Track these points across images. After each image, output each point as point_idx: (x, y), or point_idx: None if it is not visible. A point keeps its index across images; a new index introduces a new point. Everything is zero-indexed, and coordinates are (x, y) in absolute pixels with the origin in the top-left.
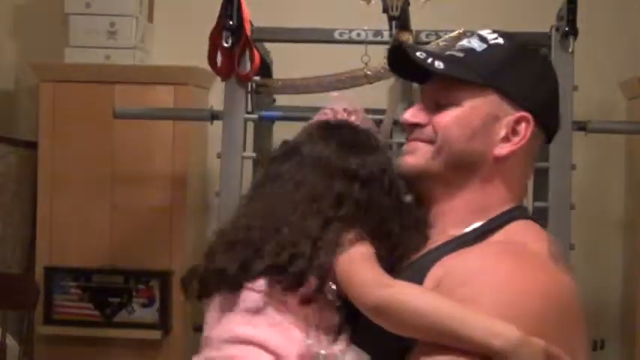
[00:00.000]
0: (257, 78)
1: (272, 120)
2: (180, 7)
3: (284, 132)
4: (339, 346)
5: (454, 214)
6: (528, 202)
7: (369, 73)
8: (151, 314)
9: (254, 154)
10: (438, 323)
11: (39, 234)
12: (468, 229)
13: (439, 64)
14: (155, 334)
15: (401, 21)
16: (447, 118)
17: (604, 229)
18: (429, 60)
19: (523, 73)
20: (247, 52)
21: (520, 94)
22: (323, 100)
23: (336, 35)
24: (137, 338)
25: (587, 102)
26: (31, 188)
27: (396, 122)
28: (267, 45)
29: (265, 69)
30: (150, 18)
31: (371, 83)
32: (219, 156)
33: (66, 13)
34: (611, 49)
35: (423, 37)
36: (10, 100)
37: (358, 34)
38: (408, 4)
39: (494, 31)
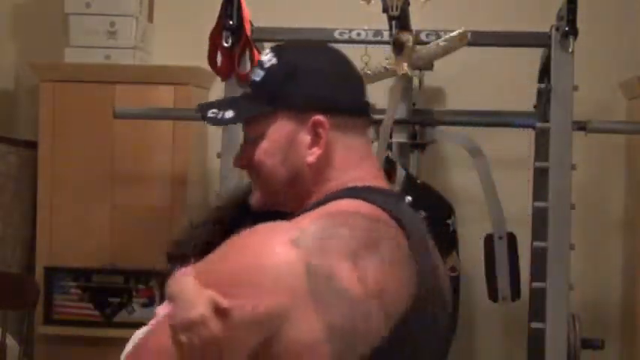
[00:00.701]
0: None
1: None
2: (180, 7)
3: None
4: None
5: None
6: (528, 202)
7: (369, 73)
8: (151, 314)
9: None
10: None
11: (39, 234)
12: None
13: (228, 114)
14: None
15: (401, 21)
16: (258, 153)
17: (604, 229)
18: (220, 115)
19: (300, 80)
20: (247, 52)
21: (305, 103)
22: None
23: (336, 35)
24: None
25: (587, 102)
26: (31, 188)
27: (396, 122)
28: (267, 45)
29: None
30: (150, 18)
31: (371, 83)
32: (219, 156)
33: (66, 13)
34: (611, 49)
35: (423, 37)
36: (10, 100)
37: (358, 34)
38: (408, 4)
39: (271, 50)
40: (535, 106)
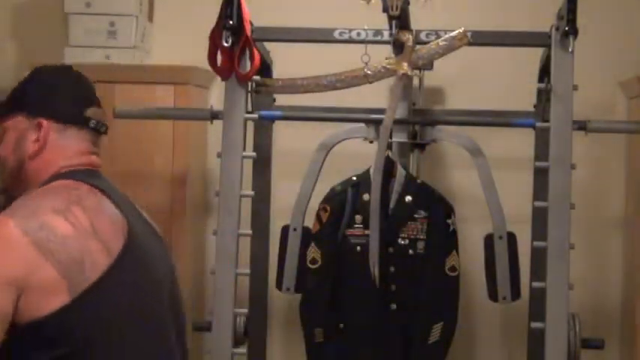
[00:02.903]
0: (257, 78)
1: (272, 120)
2: (180, 7)
3: (284, 131)
4: None
5: None
6: (528, 202)
7: (369, 72)
8: None
9: (254, 154)
10: None
11: None
12: None
13: None
14: None
15: (401, 20)
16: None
17: (604, 229)
18: None
19: (36, 91)
20: (247, 52)
21: (33, 109)
22: (323, 100)
23: (336, 35)
24: None
25: (587, 102)
26: None
27: (396, 122)
28: (267, 45)
29: (265, 69)
30: (150, 18)
31: (371, 83)
32: (219, 156)
33: (66, 13)
34: (611, 49)
35: (423, 36)
36: None
37: (358, 34)
38: (408, 3)
39: (34, 69)
40: (535, 106)
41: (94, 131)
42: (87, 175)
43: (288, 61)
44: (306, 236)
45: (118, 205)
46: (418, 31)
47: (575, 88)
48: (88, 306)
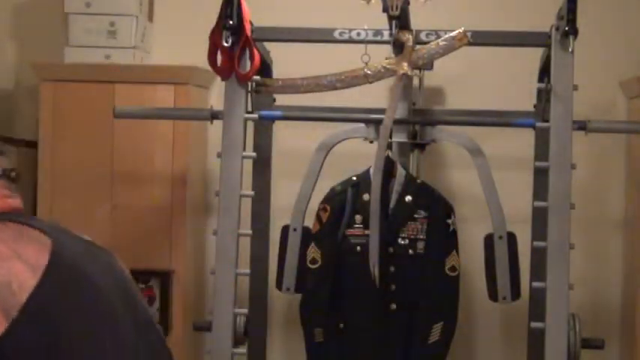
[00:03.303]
0: (257, 78)
1: (272, 120)
2: (180, 7)
3: (284, 131)
4: None
5: None
6: (528, 202)
7: (369, 72)
8: (151, 314)
9: (254, 154)
10: None
11: None
12: None
13: None
14: None
15: (401, 20)
16: None
17: (604, 229)
18: None
19: None
20: (247, 52)
21: None
22: (323, 100)
23: (336, 35)
24: None
25: (587, 102)
26: (31, 188)
27: (396, 122)
28: (267, 45)
29: (265, 69)
30: (150, 17)
31: (371, 83)
32: (219, 156)
33: (66, 13)
34: (611, 49)
35: (423, 36)
36: (10, 100)
37: (358, 34)
38: (408, 3)
39: None
40: (535, 106)
41: (4, 178)
42: (3, 215)
43: (288, 61)
44: (306, 236)
45: (41, 229)
46: (418, 31)
47: (575, 88)
48: (26, 326)
